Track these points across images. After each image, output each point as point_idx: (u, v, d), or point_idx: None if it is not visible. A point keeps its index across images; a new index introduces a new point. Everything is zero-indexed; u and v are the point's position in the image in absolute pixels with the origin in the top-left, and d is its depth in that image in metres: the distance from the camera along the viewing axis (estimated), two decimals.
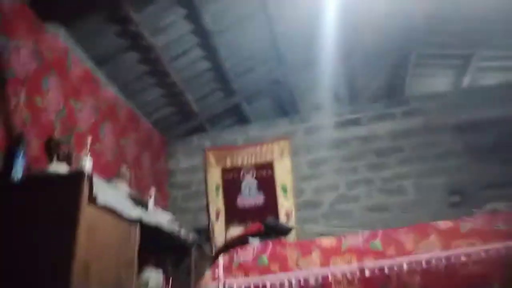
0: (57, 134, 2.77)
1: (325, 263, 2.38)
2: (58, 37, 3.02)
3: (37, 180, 2.26)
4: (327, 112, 4.72)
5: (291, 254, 2.43)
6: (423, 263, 2.36)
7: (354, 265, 2.35)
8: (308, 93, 4.87)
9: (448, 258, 2.38)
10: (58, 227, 1.96)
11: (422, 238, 2.47)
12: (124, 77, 3.81)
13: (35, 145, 2.57)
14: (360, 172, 4.33)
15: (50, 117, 2.79)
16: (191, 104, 4.51)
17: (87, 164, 2.37)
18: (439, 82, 4.76)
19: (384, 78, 4.81)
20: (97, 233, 2.08)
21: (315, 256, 2.42)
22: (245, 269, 2.40)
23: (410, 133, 4.37)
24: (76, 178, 2.08)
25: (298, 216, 4.18)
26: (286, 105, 5.05)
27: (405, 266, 2.38)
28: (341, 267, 2.33)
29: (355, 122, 4.57)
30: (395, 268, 2.39)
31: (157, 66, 3.81)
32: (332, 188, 4.31)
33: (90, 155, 2.51)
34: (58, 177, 2.21)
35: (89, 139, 2.69)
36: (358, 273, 2.32)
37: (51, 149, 2.59)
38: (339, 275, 2.33)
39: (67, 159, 2.57)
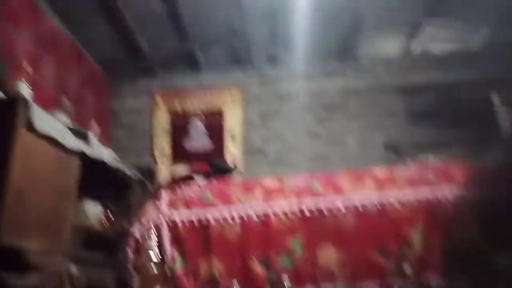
0: None
1: (267, 201, 2.45)
2: None
3: None
4: (281, 65, 4.72)
5: (235, 191, 2.48)
6: (358, 205, 2.51)
7: (294, 204, 2.44)
8: (264, 45, 4.80)
9: (380, 202, 2.54)
10: None
11: (359, 182, 2.61)
12: (70, 9, 3.51)
13: None
14: (307, 125, 4.45)
15: None
16: (142, 46, 4.31)
17: (24, 90, 2.24)
18: (390, 46, 4.87)
19: (339, 38, 4.85)
20: (34, 161, 1.99)
21: (258, 194, 2.48)
22: (189, 204, 2.42)
23: (358, 92, 4.52)
24: (12, 102, 1.96)
25: (244, 162, 4.26)
26: (241, 55, 4.96)
27: (341, 207, 2.50)
28: (282, 205, 2.42)
29: (307, 77, 4.63)
30: (332, 209, 2.51)
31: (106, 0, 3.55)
32: (279, 138, 4.41)
33: (28, 83, 2.37)
34: None
35: (26, 66, 2.52)
36: (298, 211, 2.42)
37: None
38: (280, 213, 2.42)
39: (2, 85, 2.40)
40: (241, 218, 2.39)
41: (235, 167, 2.99)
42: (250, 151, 4.37)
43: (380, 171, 2.70)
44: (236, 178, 3.29)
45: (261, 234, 2.34)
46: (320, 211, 2.42)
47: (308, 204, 2.46)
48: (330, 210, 2.43)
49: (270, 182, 2.61)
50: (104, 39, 4.12)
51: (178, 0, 3.77)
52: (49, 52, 3.33)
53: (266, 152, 4.38)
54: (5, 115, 1.92)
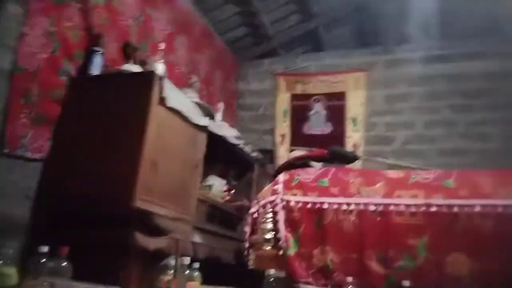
0: (133, 40, 2.82)
1: (389, 194, 2.25)
2: None
3: (112, 76, 2.36)
4: (413, 45, 4.29)
5: (354, 181, 2.34)
6: (501, 210, 2.14)
7: (421, 201, 2.19)
8: (394, 24, 4.42)
9: None
10: (128, 122, 2.05)
11: (504, 184, 2.22)
12: None
13: (112, 47, 2.64)
14: (441, 112, 3.99)
15: (127, 22, 2.82)
16: (266, 26, 4.37)
17: (160, 68, 2.42)
18: None
19: (481, 13, 4.19)
20: (165, 133, 2.15)
21: (379, 186, 2.29)
22: (304, 188, 2.36)
23: (504, 76, 3.85)
24: (148, 77, 2.13)
25: (366, 150, 4.03)
26: (367, 35, 4.67)
27: (479, 210, 2.17)
28: (406, 200, 2.19)
29: (443, 59, 4.12)
30: (466, 209, 2.19)
31: None
32: (407, 126, 4.05)
33: (163, 62, 2.56)
34: (132, 74, 2.28)
35: (162, 46, 2.73)
36: (424, 209, 2.17)
37: (127, 53, 2.68)
38: (403, 209, 2.20)
39: (142, 63, 2.64)
40: (360, 209, 2.23)
41: (356, 155, 2.82)
42: (373, 138, 4.11)
43: None
44: (356, 167, 3.11)
45: (380, 229, 2.16)
46: (452, 211, 2.13)
47: (438, 202, 2.18)
48: (464, 212, 2.12)
49: (394, 174, 2.38)
50: (233, 21, 4.28)
51: None
52: (183, 33, 3.57)
53: (391, 141, 4.07)
54: (142, 88, 2.09)
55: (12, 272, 1.22)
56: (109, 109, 2.11)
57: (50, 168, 2.13)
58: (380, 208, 2.22)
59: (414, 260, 2.10)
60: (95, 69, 2.36)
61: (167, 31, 3.31)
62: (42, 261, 1.48)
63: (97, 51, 2.41)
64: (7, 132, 1.95)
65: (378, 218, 2.19)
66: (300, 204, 2.31)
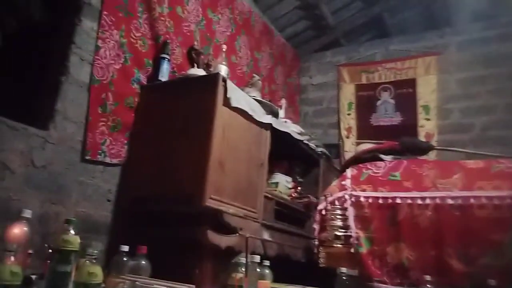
0: (197, 45, 2.92)
1: (468, 186, 2.09)
2: None
3: (179, 81, 2.47)
4: (488, 23, 3.92)
5: (428, 173, 2.20)
6: None
7: (505, 192, 2.00)
8: (466, 1, 4.08)
9: None
10: (196, 124, 2.13)
11: None
12: None
13: (178, 53, 2.75)
14: None
15: (190, 28, 2.92)
16: (327, 17, 4.27)
17: (223, 69, 2.47)
18: None
19: None
20: (231, 133, 2.20)
21: (457, 178, 2.13)
22: (374, 183, 2.27)
23: None
24: (212, 80, 2.19)
25: (441, 139, 3.75)
26: (436, 16, 4.35)
27: None
28: (488, 192, 2.02)
29: None
30: None
31: None
32: (486, 110, 3.71)
33: (226, 64, 2.62)
34: (197, 78, 2.36)
35: (224, 48, 2.79)
36: (509, 199, 1.99)
37: (192, 57, 2.78)
38: (485, 202, 2.03)
39: (206, 67, 2.73)
40: (436, 204, 2.10)
41: (430, 146, 2.64)
42: (448, 126, 3.83)
43: None
44: (431, 159, 2.92)
45: (460, 225, 2.01)
46: None
47: None
48: None
49: (473, 164, 2.21)
50: (292, 16, 4.24)
51: None
52: (243, 33, 3.61)
53: (468, 128, 3.76)
54: (207, 91, 2.16)
55: (97, 270, 1.32)
56: (178, 113, 2.21)
57: (127, 172, 2.28)
58: (459, 201, 2.07)
59: (501, 257, 1.93)
60: (163, 75, 2.48)
61: (228, 32, 3.37)
62: (123, 260, 1.59)
63: (164, 58, 2.52)
64: (88, 140, 2.11)
65: (457, 213, 2.05)
66: (370, 200, 2.24)
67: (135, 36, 2.43)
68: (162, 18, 2.65)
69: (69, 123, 2.05)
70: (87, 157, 2.11)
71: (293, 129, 2.94)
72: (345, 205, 2.29)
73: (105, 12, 2.25)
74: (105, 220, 2.20)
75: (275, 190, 2.74)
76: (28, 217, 1.32)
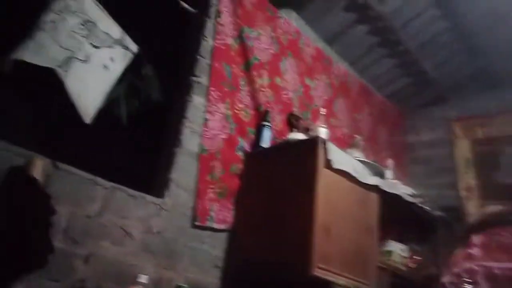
0: (296, 110, 3.00)
1: None
2: (291, 21, 3.25)
3: (280, 147, 2.52)
4: None
5: None
6: None
7: None
8: None
9: None
10: (298, 187, 2.10)
11: None
12: (354, 51, 3.79)
13: (278, 120, 2.84)
14: None
15: (289, 95, 3.03)
16: (429, 72, 4.08)
17: (323, 132, 2.46)
18: None
19: None
20: (334, 196, 2.11)
21: None
22: (508, 251, 1.93)
23: None
24: (313, 143, 2.18)
25: None
26: None
27: None
28: None
29: None
30: None
31: (387, 35, 3.60)
32: None
33: (325, 126, 2.61)
34: (297, 142, 2.38)
35: (323, 111, 2.81)
36: None
37: (292, 123, 2.85)
38: None
39: (306, 131, 2.76)
40: None
41: None
42: None
43: None
44: None
45: None
46: None
47: None
48: None
49: None
50: (391, 74, 4.15)
51: (461, 13, 3.35)
52: (341, 96, 3.61)
53: None
54: (308, 154, 2.15)
55: None
56: (280, 178, 2.22)
57: (234, 237, 2.31)
58: None
59: None
60: (265, 142, 2.56)
61: (325, 96, 3.41)
62: None
63: (265, 126, 2.62)
64: (198, 206, 2.21)
65: None
66: (507, 272, 1.89)
67: (239, 107, 2.60)
68: (263, 89, 2.80)
69: (181, 191, 2.19)
70: (197, 223, 2.20)
71: (403, 190, 2.72)
72: (475, 278, 1.97)
73: (212, 88, 2.47)
74: (214, 287, 2.21)
75: (389, 260, 2.49)
76: (145, 282, 1.37)
